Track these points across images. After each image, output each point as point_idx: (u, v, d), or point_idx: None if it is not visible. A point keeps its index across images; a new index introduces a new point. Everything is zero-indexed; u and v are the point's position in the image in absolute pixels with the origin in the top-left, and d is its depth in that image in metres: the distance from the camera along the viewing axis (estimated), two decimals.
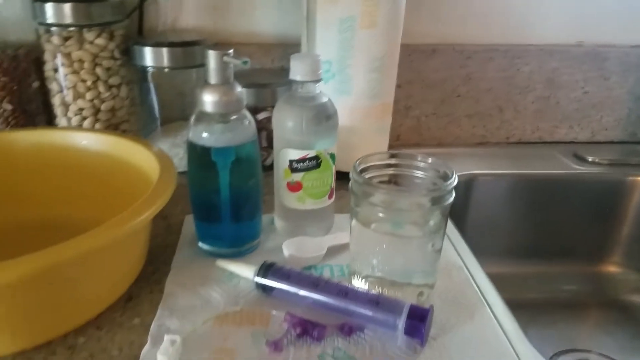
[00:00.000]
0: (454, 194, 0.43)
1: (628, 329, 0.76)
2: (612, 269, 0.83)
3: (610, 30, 0.88)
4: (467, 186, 0.79)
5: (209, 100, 0.46)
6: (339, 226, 0.59)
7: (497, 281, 0.50)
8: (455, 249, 0.56)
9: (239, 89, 0.47)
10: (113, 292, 0.45)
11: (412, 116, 0.87)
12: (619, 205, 0.81)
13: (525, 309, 0.47)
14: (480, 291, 0.49)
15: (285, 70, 0.79)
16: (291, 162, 0.52)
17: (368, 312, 0.42)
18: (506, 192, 0.81)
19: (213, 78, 0.45)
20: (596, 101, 0.90)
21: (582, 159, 0.84)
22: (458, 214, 0.78)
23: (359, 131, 0.66)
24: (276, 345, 0.41)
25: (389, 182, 0.48)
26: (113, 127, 0.69)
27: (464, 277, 0.51)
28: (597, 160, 0.83)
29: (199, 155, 0.48)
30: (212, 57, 0.45)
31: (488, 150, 0.88)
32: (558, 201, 0.81)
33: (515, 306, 0.47)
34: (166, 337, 0.40)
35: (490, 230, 0.82)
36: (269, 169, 0.58)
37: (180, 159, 0.68)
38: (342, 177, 0.57)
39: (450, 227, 0.61)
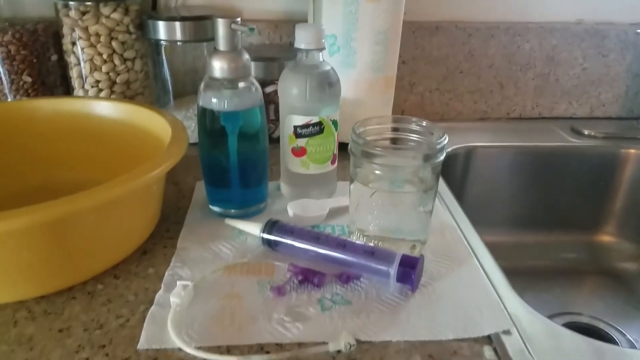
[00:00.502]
0: (444, 154, 0.46)
1: (620, 295, 0.79)
2: (606, 238, 0.86)
3: (609, 8, 0.90)
4: (467, 158, 0.82)
5: (217, 66, 0.49)
6: (341, 192, 0.62)
7: (496, 250, 0.53)
8: (450, 211, 0.59)
9: (246, 56, 0.50)
10: (129, 245, 0.49)
11: (416, 92, 0.90)
12: (614, 177, 0.84)
13: (523, 276, 0.50)
14: (470, 247, 0.52)
15: (293, 46, 0.82)
16: (295, 127, 0.55)
17: (364, 262, 0.46)
18: (505, 164, 0.84)
19: (222, 45, 0.49)
20: (595, 78, 0.92)
21: (579, 133, 0.86)
22: (458, 185, 0.82)
23: (363, 103, 0.69)
24: (279, 290, 0.45)
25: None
26: (127, 99, 0.72)
27: (456, 236, 0.54)
28: (593, 133, 0.85)
29: (209, 120, 0.52)
30: (220, 24, 0.48)
31: (489, 124, 0.91)
32: (555, 173, 0.84)
33: (513, 273, 0.50)
34: (178, 283, 0.44)
35: (489, 201, 0.85)
36: (276, 141, 0.61)
37: (192, 132, 0.72)
38: (345, 148, 0.61)
39: (447, 192, 0.64)
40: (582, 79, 0.93)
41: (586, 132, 0.87)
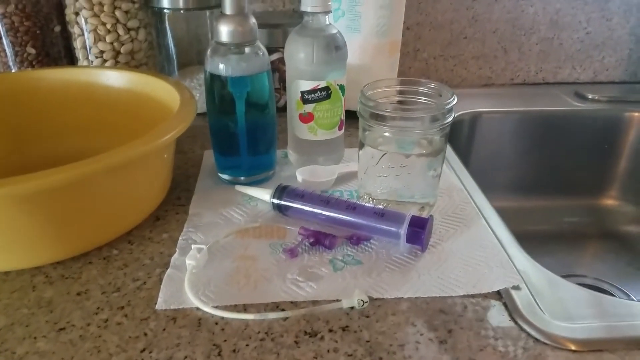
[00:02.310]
0: (453, 115, 0.47)
1: (623, 257, 0.80)
2: (609, 201, 0.87)
3: None
4: (472, 123, 0.82)
5: (224, 30, 0.49)
6: (349, 159, 0.63)
7: (501, 215, 0.53)
8: (457, 175, 0.60)
9: (252, 20, 0.50)
10: (142, 211, 0.50)
11: (420, 59, 0.90)
12: (617, 141, 0.84)
13: (528, 240, 0.51)
14: (478, 207, 0.53)
15: (297, 12, 0.81)
16: (303, 93, 0.55)
17: (374, 224, 0.47)
18: (510, 129, 0.84)
19: (228, 8, 0.48)
20: (598, 42, 0.92)
21: (582, 97, 0.86)
22: (463, 151, 0.82)
23: (368, 69, 0.69)
24: (292, 252, 0.46)
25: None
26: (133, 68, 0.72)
27: (464, 197, 0.55)
28: (597, 97, 0.85)
29: (217, 86, 0.52)
30: None
31: (493, 90, 0.91)
32: (559, 137, 0.84)
33: (518, 238, 0.50)
34: (193, 246, 0.45)
35: (493, 167, 0.85)
36: (281, 110, 0.62)
37: (197, 101, 0.72)
38: (352, 115, 0.61)
39: (453, 156, 0.65)
40: (585, 43, 0.92)
41: (590, 96, 0.86)
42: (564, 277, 0.75)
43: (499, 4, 0.87)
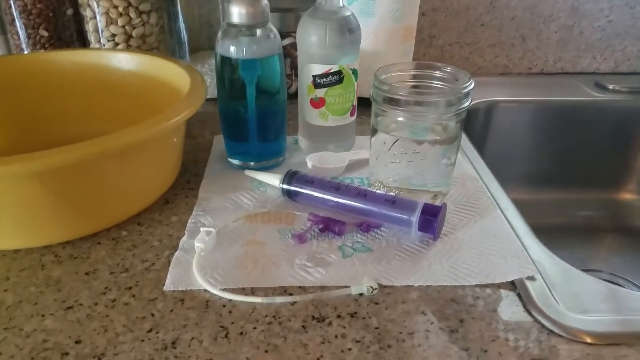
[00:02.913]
0: (470, 99, 0.45)
1: (639, 252, 0.78)
2: (627, 196, 0.85)
3: None
4: (487, 112, 0.80)
5: (235, 11, 0.48)
6: (359, 146, 0.62)
7: (515, 206, 0.52)
8: (472, 163, 0.59)
9: (264, 1, 0.49)
10: (151, 193, 0.49)
11: (435, 45, 0.88)
12: (637, 133, 0.82)
13: (542, 233, 0.50)
14: (493, 197, 0.52)
15: None
16: (314, 77, 0.54)
17: (385, 211, 0.46)
18: (526, 119, 0.82)
19: None
20: (620, 30, 0.89)
21: (603, 87, 0.84)
22: (478, 140, 0.80)
23: (382, 55, 0.68)
24: (300, 238, 0.45)
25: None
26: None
27: (478, 185, 0.54)
28: (617, 88, 0.83)
29: (227, 69, 0.51)
30: None
31: (510, 79, 0.89)
32: (577, 129, 0.82)
33: (533, 231, 0.49)
34: (202, 229, 0.44)
35: (509, 157, 0.84)
36: (293, 97, 0.61)
37: (207, 86, 0.71)
38: (364, 102, 0.60)
39: (468, 144, 0.63)
40: (607, 31, 0.89)
41: (610, 87, 0.84)
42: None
43: None
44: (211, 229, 0.44)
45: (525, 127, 0.83)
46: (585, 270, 0.73)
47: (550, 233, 0.80)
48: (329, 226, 0.46)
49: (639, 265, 0.76)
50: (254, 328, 0.35)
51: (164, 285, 0.39)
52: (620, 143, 0.83)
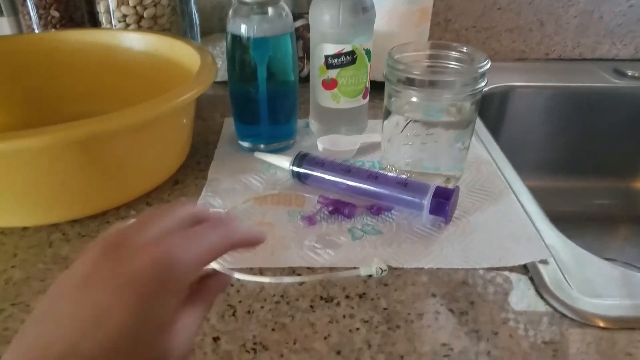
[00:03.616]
0: (485, 80, 0.44)
1: None
2: None
3: None
4: (503, 98, 0.78)
5: None
6: (371, 130, 0.61)
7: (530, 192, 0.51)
8: (486, 147, 0.58)
9: None
10: (160, 173, 0.49)
11: (451, 30, 0.86)
12: None
13: (556, 221, 0.49)
14: (507, 181, 0.51)
15: None
16: (327, 57, 0.53)
17: (396, 194, 0.45)
18: (542, 105, 0.80)
19: None
20: None
21: (622, 74, 0.82)
22: (493, 126, 0.79)
23: (396, 37, 0.66)
24: (310, 220, 0.44)
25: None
26: None
27: (492, 170, 0.52)
28: (637, 74, 0.81)
29: (238, 49, 0.50)
30: None
31: (527, 65, 0.87)
32: (594, 115, 0.80)
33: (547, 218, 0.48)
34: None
35: (524, 143, 0.82)
36: (305, 80, 0.60)
37: (219, 69, 0.71)
38: (376, 86, 0.59)
39: (482, 128, 0.62)
40: (628, 16, 0.87)
41: (630, 73, 0.82)
42: None
43: None
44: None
45: (541, 113, 0.81)
46: None
47: (564, 221, 0.79)
48: (339, 209, 0.46)
49: None
50: (262, 307, 0.35)
51: None
52: (637, 131, 0.81)
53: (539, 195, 0.52)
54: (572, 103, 0.80)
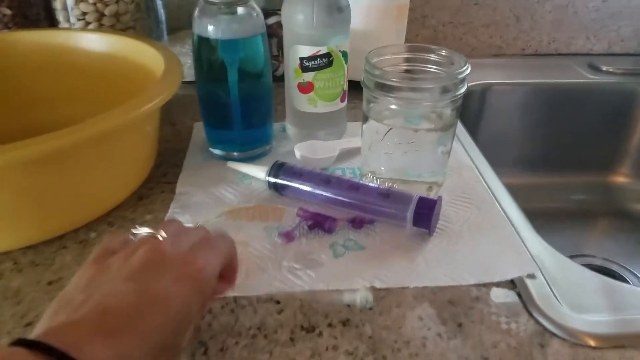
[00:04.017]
0: (465, 85, 0.42)
1: (633, 236, 0.77)
2: (621, 179, 0.83)
3: None
4: (481, 96, 0.77)
5: None
6: (351, 133, 0.59)
7: (509, 191, 0.50)
8: (467, 151, 0.56)
9: None
10: (122, 189, 0.46)
11: (428, 25, 0.84)
12: (631, 116, 0.80)
13: (536, 217, 0.48)
14: (489, 187, 0.49)
15: None
16: (302, 60, 0.50)
17: (378, 205, 0.43)
18: (520, 102, 0.79)
19: None
20: (615, 10, 0.86)
21: (596, 69, 0.82)
22: (472, 124, 0.77)
23: (373, 35, 0.64)
24: (288, 236, 0.42)
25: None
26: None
27: (474, 176, 0.51)
28: (611, 70, 0.81)
29: (205, 50, 0.47)
30: None
31: (504, 61, 0.86)
32: (571, 111, 0.80)
33: (526, 215, 0.47)
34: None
35: (503, 141, 0.81)
36: (280, 79, 0.57)
37: (188, 68, 0.67)
38: (355, 86, 0.56)
39: (462, 130, 0.61)
40: (601, 11, 0.86)
41: (604, 69, 0.82)
42: (572, 257, 0.73)
43: None
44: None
45: (519, 110, 0.80)
46: (578, 256, 0.73)
47: (543, 217, 0.79)
48: (319, 222, 0.43)
49: (632, 250, 0.75)
50: (236, 343, 0.32)
51: None
52: (614, 125, 0.81)
53: (518, 192, 0.51)
54: (548, 99, 0.80)
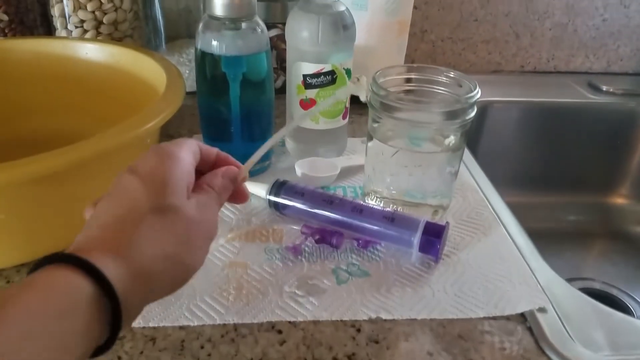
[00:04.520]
0: (475, 110, 0.41)
1: (632, 259, 0.76)
2: (619, 200, 0.83)
3: None
4: (480, 113, 0.76)
5: (219, 2, 0.43)
6: (352, 149, 0.57)
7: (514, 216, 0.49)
8: (470, 172, 0.55)
9: None
10: None
11: (427, 40, 0.84)
12: (630, 136, 0.79)
13: (533, 238, 0.47)
14: (495, 212, 0.48)
15: None
16: (305, 77, 0.49)
17: (383, 229, 0.42)
18: (519, 120, 0.79)
19: None
20: (614, 29, 0.86)
21: (596, 89, 0.81)
22: (470, 142, 0.76)
23: (375, 50, 0.63)
24: (295, 250, 0.41)
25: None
26: (115, 41, 0.65)
27: (479, 198, 0.50)
28: (611, 90, 0.80)
29: (209, 65, 0.46)
30: None
31: (502, 78, 0.85)
32: (570, 131, 0.79)
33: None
34: None
35: (501, 159, 0.80)
36: (280, 91, 0.56)
37: (185, 78, 0.66)
38: (355, 101, 0.55)
39: (465, 151, 0.60)
40: (601, 30, 0.86)
41: (604, 88, 0.81)
42: (571, 280, 0.72)
43: None
44: None
45: (518, 128, 0.80)
46: (577, 279, 0.73)
47: (541, 238, 0.77)
48: (325, 238, 0.42)
49: (632, 274, 0.74)
50: None
51: None
52: (613, 146, 0.81)
53: (514, 211, 0.50)
54: (548, 118, 0.79)
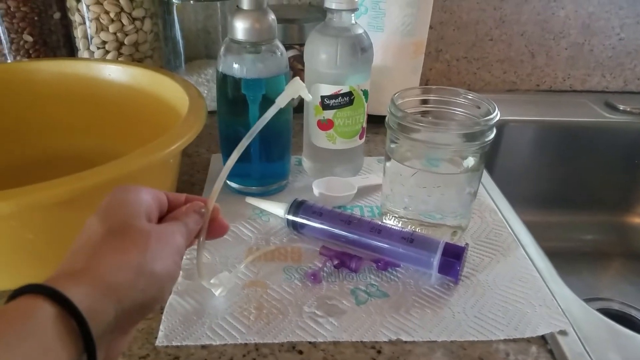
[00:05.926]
0: (494, 132, 0.42)
1: None
2: (637, 219, 0.82)
3: None
4: (497, 133, 0.76)
5: (240, 27, 0.44)
6: (368, 169, 0.58)
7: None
8: (487, 191, 0.55)
9: (272, 16, 0.45)
10: None
11: (442, 60, 0.84)
12: None
13: (550, 257, 0.47)
14: (514, 233, 0.48)
15: (314, 7, 0.76)
16: (323, 98, 0.50)
17: (401, 250, 0.42)
18: (535, 140, 0.79)
19: (245, 3, 0.43)
20: (631, 49, 0.86)
21: (613, 108, 0.81)
22: (486, 161, 0.77)
23: (390, 71, 0.64)
24: (315, 277, 0.41)
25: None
26: (136, 62, 0.67)
27: (497, 219, 0.50)
28: (628, 109, 0.80)
29: (229, 87, 0.47)
30: None
31: (518, 97, 0.86)
32: (587, 150, 0.79)
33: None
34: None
35: (517, 178, 0.80)
36: (297, 111, 0.56)
37: (204, 98, 0.67)
38: (372, 120, 0.56)
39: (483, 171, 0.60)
40: (617, 49, 0.86)
41: (621, 107, 0.81)
42: (588, 300, 0.71)
43: (529, 5, 0.81)
44: (226, 272, 0.39)
45: (534, 147, 0.79)
46: (595, 299, 0.72)
47: (557, 257, 0.76)
48: (345, 262, 0.42)
49: None
50: None
51: (156, 338, 0.35)
52: (630, 165, 0.80)
53: (532, 230, 0.50)
54: (564, 137, 0.79)
